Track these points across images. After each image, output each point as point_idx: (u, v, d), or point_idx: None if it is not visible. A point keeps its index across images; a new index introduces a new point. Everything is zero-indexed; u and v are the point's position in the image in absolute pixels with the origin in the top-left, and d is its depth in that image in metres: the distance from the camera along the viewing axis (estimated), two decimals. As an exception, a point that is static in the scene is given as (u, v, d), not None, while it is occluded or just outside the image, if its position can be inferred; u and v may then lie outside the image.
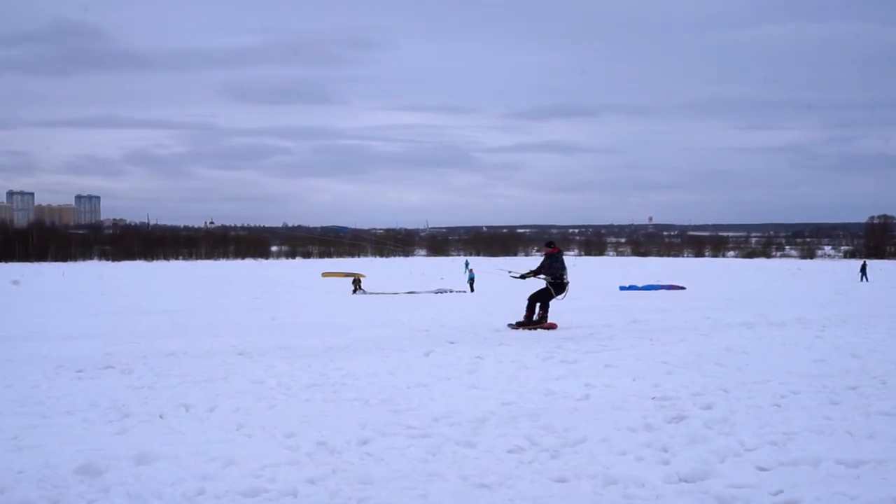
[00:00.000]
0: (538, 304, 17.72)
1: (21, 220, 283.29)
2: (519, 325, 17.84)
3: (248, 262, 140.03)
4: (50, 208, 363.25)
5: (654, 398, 9.53)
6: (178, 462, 7.07)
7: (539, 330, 17.19)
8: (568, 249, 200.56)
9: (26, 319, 23.52)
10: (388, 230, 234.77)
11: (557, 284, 17.67)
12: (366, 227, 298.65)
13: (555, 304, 18.18)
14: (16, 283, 44.61)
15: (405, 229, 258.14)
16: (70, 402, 9.67)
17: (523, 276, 18.70)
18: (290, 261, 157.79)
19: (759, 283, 48.95)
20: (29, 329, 20.20)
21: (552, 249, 18.05)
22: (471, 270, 52.42)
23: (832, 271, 77.02)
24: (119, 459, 7.10)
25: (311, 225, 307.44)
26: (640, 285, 44.88)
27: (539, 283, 18.15)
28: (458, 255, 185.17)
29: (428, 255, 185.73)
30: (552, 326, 17.54)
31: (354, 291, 44.79)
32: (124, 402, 9.63)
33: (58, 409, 9.24)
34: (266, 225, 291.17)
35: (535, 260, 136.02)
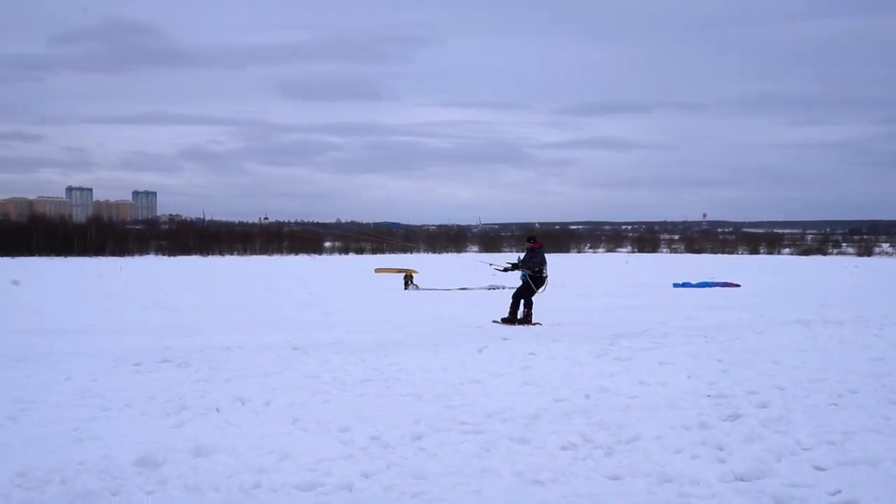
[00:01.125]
0: (521, 302, 18.45)
1: (80, 215, 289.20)
2: (504, 321, 18.47)
3: (302, 258, 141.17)
4: (108, 203, 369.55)
5: (709, 396, 9.42)
6: (234, 455, 7.16)
7: (525, 326, 17.74)
8: (620, 246, 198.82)
9: (90, 313, 23.99)
10: (440, 226, 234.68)
11: (536, 277, 18.38)
12: (418, 223, 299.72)
13: (608, 301, 18.08)
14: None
15: (457, 225, 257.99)
16: (128, 395, 9.85)
17: (505, 269, 19.75)
18: (343, 257, 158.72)
19: (815, 281, 48.09)
20: (89, 322, 20.60)
21: (534, 244, 18.79)
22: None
23: (890, 269, 75.49)
24: (177, 452, 7.20)
25: (364, 221, 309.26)
26: (694, 283, 44.29)
27: (520, 281, 18.84)
28: (510, 251, 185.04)
29: (480, 251, 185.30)
30: (535, 324, 18.12)
31: (406, 287, 44.86)
32: (182, 395, 9.79)
33: (117, 402, 9.42)
34: (319, 221, 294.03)
35: (585, 259, 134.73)
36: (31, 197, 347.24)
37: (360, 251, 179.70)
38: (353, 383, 10.57)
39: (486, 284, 44.23)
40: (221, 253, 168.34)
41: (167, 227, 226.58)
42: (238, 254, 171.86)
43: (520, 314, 18.79)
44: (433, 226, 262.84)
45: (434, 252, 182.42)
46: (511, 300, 18.87)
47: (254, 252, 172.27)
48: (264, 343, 15.07)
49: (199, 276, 61.69)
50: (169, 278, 56.62)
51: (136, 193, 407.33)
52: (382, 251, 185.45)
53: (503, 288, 42.67)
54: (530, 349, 13.39)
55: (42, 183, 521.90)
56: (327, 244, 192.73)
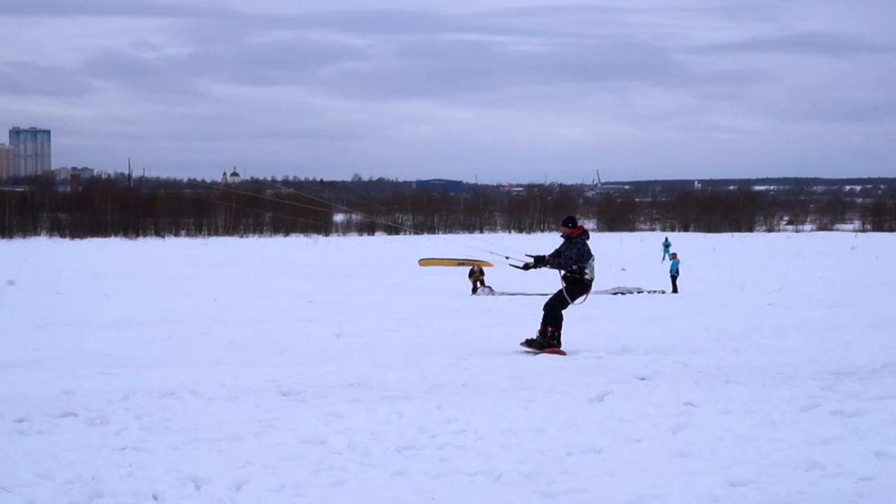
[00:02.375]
0: (552, 317, 19.31)
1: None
2: (528, 343, 19.33)
3: (296, 241, 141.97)
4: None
5: None
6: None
7: (543, 354, 18.55)
8: (841, 220, 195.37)
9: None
10: (529, 187, 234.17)
11: (574, 280, 19.21)
12: (491, 181, 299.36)
13: (820, 314, 17.80)
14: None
15: (559, 185, 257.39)
16: (5, 470, 9.93)
17: (526, 266, 20.31)
18: (366, 238, 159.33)
19: None
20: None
21: (572, 230, 19.54)
22: (674, 256, 51.93)
23: None
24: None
25: (400, 178, 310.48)
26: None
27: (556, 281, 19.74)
28: (651, 229, 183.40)
29: (599, 230, 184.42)
30: (558, 352, 18.86)
31: (474, 290, 44.86)
32: (95, 472, 9.84)
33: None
34: (325, 179, 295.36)
35: (779, 241, 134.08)
36: None
37: (393, 229, 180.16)
38: (385, 453, 10.58)
39: (610, 288, 44.07)
40: (159, 233, 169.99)
41: (68, 190, 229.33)
42: (188, 234, 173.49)
43: (535, 334, 19.47)
44: (517, 186, 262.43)
45: (520, 230, 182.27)
46: (543, 312, 19.46)
47: (214, 232, 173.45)
48: (234, 384, 15.11)
49: (121, 272, 62.44)
50: (72, 275, 57.40)
51: (15, 133, 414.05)
52: (433, 227, 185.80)
53: (639, 292, 42.49)
54: (687, 397, 13.31)
55: None
56: (338, 218, 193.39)
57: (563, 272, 19.25)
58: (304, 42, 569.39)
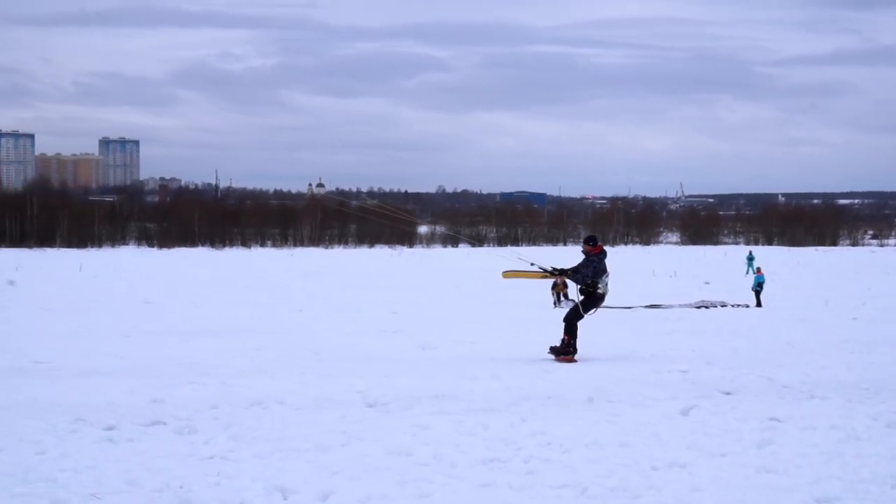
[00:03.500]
0: (570, 328, 20.82)
1: (13, 178, 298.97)
2: (552, 349, 20.87)
3: (381, 252, 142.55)
4: (59, 159, 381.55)
5: None
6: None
7: (562, 361, 20.15)
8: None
9: (32, 340, 24.62)
10: (613, 199, 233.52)
11: (589, 294, 20.81)
12: (575, 193, 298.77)
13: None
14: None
15: (643, 198, 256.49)
16: (96, 479, 10.07)
17: (546, 273, 22.02)
18: (451, 250, 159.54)
19: None
20: (31, 356, 21.18)
21: (593, 248, 21.08)
22: (758, 270, 51.53)
23: None
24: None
25: (484, 191, 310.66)
26: None
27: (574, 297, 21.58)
28: (735, 243, 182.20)
29: (683, 243, 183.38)
30: (570, 360, 20.41)
31: (557, 303, 44.78)
32: (184, 481, 9.95)
33: (77, 491, 9.61)
34: (410, 190, 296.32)
35: (864, 255, 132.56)
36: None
37: (477, 240, 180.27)
38: (471, 465, 10.58)
39: (694, 301, 43.82)
40: (245, 243, 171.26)
41: (156, 200, 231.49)
42: (274, 244, 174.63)
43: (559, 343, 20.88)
44: (601, 199, 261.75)
45: (603, 243, 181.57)
46: (564, 324, 21.00)
47: (299, 242, 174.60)
48: (320, 395, 15.22)
49: (209, 282, 62.92)
50: (161, 284, 57.93)
51: (105, 143, 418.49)
52: (516, 239, 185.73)
53: (723, 306, 42.20)
54: (772, 412, 13.24)
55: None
56: (423, 229, 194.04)
57: (579, 286, 20.86)
58: (387, 53, 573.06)
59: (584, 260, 21.01)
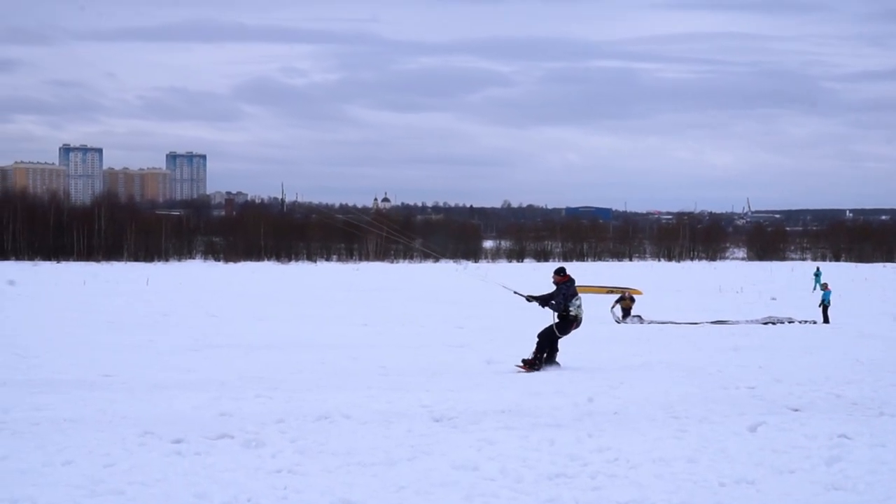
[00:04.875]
0: (540, 345, 22.69)
1: (81, 192, 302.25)
2: (524, 362, 22.56)
3: (445, 266, 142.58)
4: (126, 174, 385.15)
5: None
6: None
7: (529, 372, 21.84)
8: None
9: (101, 354, 24.82)
10: (679, 215, 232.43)
11: (563, 317, 22.83)
12: (640, 209, 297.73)
13: None
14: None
15: (709, 213, 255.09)
16: (164, 492, 10.18)
17: (528, 299, 23.85)
18: (516, 265, 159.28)
19: None
20: (100, 369, 21.37)
21: (562, 278, 23.26)
22: (825, 286, 51.12)
23: None
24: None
25: (549, 206, 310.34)
26: None
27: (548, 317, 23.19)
28: (802, 259, 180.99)
29: (749, 259, 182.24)
30: (529, 369, 22.12)
31: (624, 318, 44.60)
32: (251, 495, 10.04)
33: (144, 502, 9.76)
34: (475, 205, 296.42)
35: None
36: (5, 163, 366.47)
37: (543, 255, 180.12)
38: (537, 481, 10.59)
39: (761, 317, 43.53)
40: (311, 258, 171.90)
41: (222, 214, 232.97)
42: (340, 258, 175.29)
43: (530, 355, 22.67)
44: (666, 214, 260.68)
45: (669, 259, 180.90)
46: (537, 339, 22.87)
47: (365, 257, 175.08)
48: (387, 409, 15.30)
49: (276, 296, 63.19)
50: (227, 298, 58.23)
51: (172, 157, 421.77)
52: (582, 255, 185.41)
53: (789, 322, 41.91)
54: (840, 428, 13.16)
55: (20, 139, 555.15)
56: (488, 244, 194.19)
57: (554, 312, 22.90)
58: (449, 68, 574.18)
59: (555, 290, 23.11)
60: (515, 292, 25.04)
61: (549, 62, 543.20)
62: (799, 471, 11.01)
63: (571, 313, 22.77)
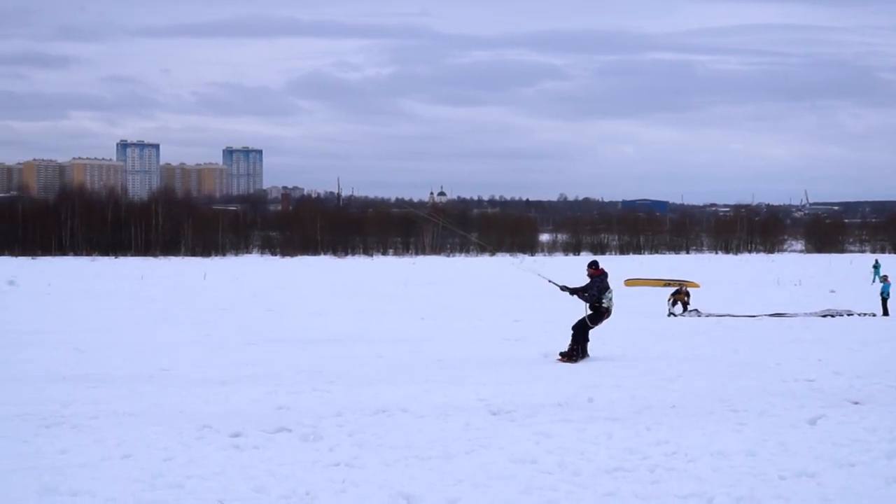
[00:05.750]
0: (575, 337, 23.52)
1: (138, 187, 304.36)
2: (561, 354, 23.35)
3: (502, 260, 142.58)
4: (183, 169, 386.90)
5: None
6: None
7: (567, 363, 22.61)
8: None
9: (158, 348, 24.98)
10: (736, 207, 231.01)
11: (595, 309, 23.67)
12: (697, 201, 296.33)
13: None
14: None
15: (766, 205, 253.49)
16: (222, 485, 10.24)
17: (563, 289, 24.78)
18: (572, 258, 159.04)
19: None
20: (158, 364, 21.49)
21: (596, 271, 24.14)
22: (885, 279, 50.70)
23: None
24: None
25: (605, 199, 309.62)
26: None
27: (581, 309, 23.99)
28: (861, 251, 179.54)
29: (807, 251, 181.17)
30: (569, 361, 22.91)
31: (685, 311, 44.43)
32: (310, 487, 10.06)
33: (204, 497, 9.80)
34: (530, 198, 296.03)
35: None
36: (62, 159, 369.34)
37: (600, 248, 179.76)
38: (595, 474, 10.55)
39: (820, 310, 43.25)
40: (367, 252, 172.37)
41: (279, 208, 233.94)
42: (396, 252, 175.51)
43: (568, 347, 23.41)
44: (724, 207, 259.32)
45: (727, 251, 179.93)
46: (572, 332, 23.69)
47: (420, 251, 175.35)
48: (444, 402, 15.31)
49: (332, 289, 63.38)
50: (284, 293, 58.43)
51: (228, 152, 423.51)
52: (638, 248, 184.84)
53: (848, 315, 41.63)
54: (903, 423, 12.99)
55: (77, 135, 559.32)
56: (544, 237, 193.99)
57: (588, 302, 23.65)
58: (503, 62, 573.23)
59: (589, 282, 23.91)
60: (550, 281, 25.90)
61: (604, 55, 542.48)
62: (859, 464, 10.90)
63: (604, 305, 23.60)
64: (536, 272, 27.77)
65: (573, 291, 24.10)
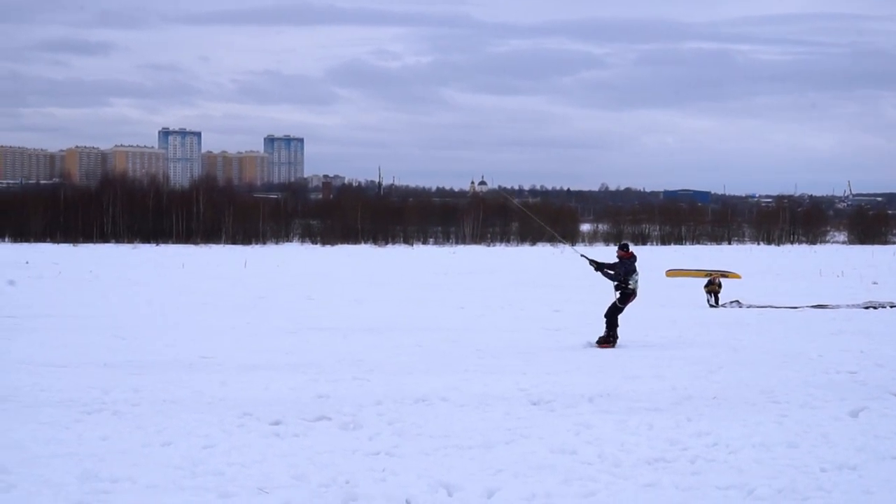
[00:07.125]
0: (610, 322, 24.53)
1: (180, 174, 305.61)
2: (599, 340, 24.34)
3: (542, 250, 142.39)
4: (225, 157, 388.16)
5: None
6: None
7: (603, 348, 23.52)
8: None
9: (199, 337, 25.09)
10: (779, 198, 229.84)
11: (623, 290, 24.67)
12: (739, 192, 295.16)
13: None
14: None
15: (809, 196, 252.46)
16: (263, 472, 10.30)
17: (591, 262, 25.56)
18: (612, 247, 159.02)
19: None
20: (198, 351, 21.59)
21: (626, 254, 25.06)
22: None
23: None
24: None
25: (646, 189, 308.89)
26: None
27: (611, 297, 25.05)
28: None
29: (850, 243, 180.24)
30: (608, 346, 23.92)
31: (716, 302, 44.29)
32: (349, 476, 10.12)
33: (244, 485, 9.86)
34: (572, 188, 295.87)
35: None
36: (104, 147, 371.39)
37: (641, 238, 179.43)
38: (636, 465, 10.58)
39: (862, 302, 43.04)
40: (408, 241, 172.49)
41: (320, 197, 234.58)
42: (436, 242, 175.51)
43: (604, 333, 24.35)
44: (766, 197, 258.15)
45: (769, 242, 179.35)
46: (605, 319, 24.70)
47: (462, 240, 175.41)
48: (484, 392, 15.34)
49: (373, 277, 63.50)
50: (325, 281, 58.56)
51: (270, 141, 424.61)
52: (680, 238, 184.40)
53: (891, 306, 41.42)
54: (948, 415, 12.93)
55: (118, 122, 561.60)
56: (585, 227, 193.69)
57: (615, 283, 24.75)
58: (543, 51, 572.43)
59: (618, 262, 24.97)
60: (582, 255, 26.97)
61: (643, 44, 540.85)
62: (903, 457, 10.86)
63: (630, 286, 24.62)
64: (570, 245, 29.58)
65: (601, 267, 24.96)
